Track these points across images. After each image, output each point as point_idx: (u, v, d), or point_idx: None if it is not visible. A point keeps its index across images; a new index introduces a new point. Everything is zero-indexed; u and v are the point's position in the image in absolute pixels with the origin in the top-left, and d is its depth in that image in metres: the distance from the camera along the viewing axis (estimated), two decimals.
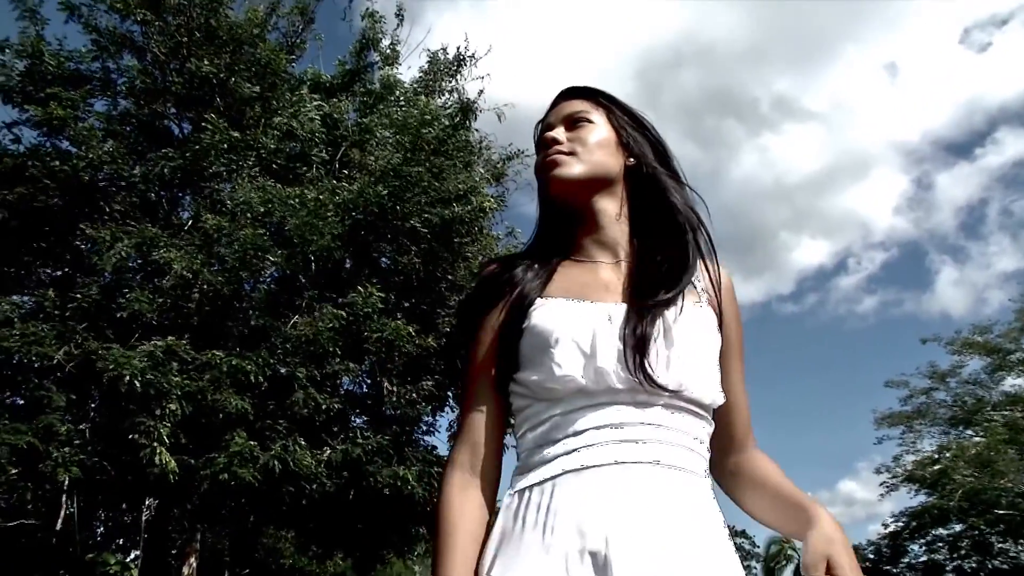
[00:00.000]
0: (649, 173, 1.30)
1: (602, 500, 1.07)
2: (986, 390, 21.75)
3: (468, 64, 12.23)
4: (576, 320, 1.16)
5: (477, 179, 9.99)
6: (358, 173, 10.19)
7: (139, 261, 8.99)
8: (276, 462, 7.79)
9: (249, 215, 8.74)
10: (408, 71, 11.98)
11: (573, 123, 1.31)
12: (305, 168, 10.28)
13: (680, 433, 1.14)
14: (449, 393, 10.48)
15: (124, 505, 12.55)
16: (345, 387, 10.18)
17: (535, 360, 1.15)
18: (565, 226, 1.32)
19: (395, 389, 9.24)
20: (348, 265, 10.29)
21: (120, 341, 8.59)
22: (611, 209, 1.29)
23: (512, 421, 1.24)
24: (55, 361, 8.59)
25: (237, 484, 7.76)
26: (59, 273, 10.26)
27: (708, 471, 1.21)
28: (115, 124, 9.87)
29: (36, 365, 8.87)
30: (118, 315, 8.41)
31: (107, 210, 9.45)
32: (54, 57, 9.64)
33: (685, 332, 1.17)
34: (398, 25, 12.01)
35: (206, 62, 9.78)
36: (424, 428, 10.70)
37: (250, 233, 8.09)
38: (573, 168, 1.26)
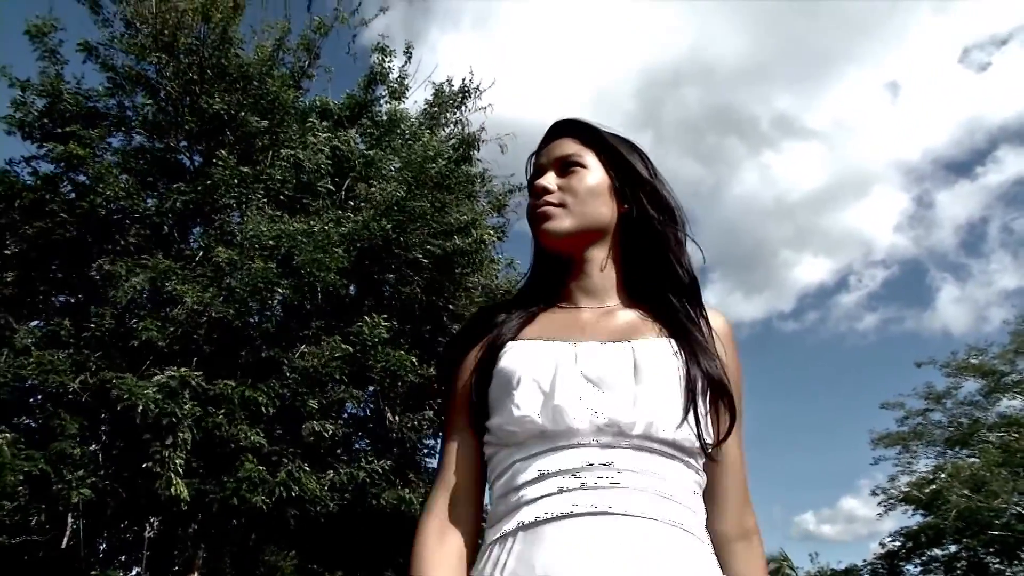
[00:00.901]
0: (643, 222, 1.26)
1: (559, 560, 0.99)
2: (982, 411, 21.98)
3: (472, 96, 12.58)
4: (539, 360, 1.12)
5: (479, 211, 10.34)
6: (363, 204, 10.54)
7: (151, 291, 9.32)
8: (281, 489, 8.11)
9: (258, 247, 9.09)
10: (414, 105, 12.30)
11: (564, 167, 1.27)
12: (312, 198, 10.63)
13: (657, 479, 1.06)
14: None
15: (126, 522, 12.81)
16: (348, 411, 10.51)
17: (499, 403, 1.12)
18: (554, 272, 1.30)
19: (397, 418, 9.58)
20: (353, 292, 10.63)
21: (132, 370, 8.90)
22: (599, 256, 1.26)
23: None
24: (71, 389, 8.90)
25: (246, 508, 8.07)
26: (73, 300, 10.60)
27: (704, 530, 1.11)
28: (129, 159, 10.24)
29: (51, 392, 9.21)
30: (130, 344, 8.74)
31: (121, 243, 9.81)
32: (72, 96, 10.05)
33: (657, 368, 1.11)
34: (406, 61, 12.35)
35: (217, 99, 10.16)
36: (426, 451, 11.03)
37: (260, 267, 8.42)
38: (563, 222, 1.23)
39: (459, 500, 1.17)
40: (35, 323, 10.35)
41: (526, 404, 1.08)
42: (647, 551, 1.00)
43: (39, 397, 9.87)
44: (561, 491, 1.04)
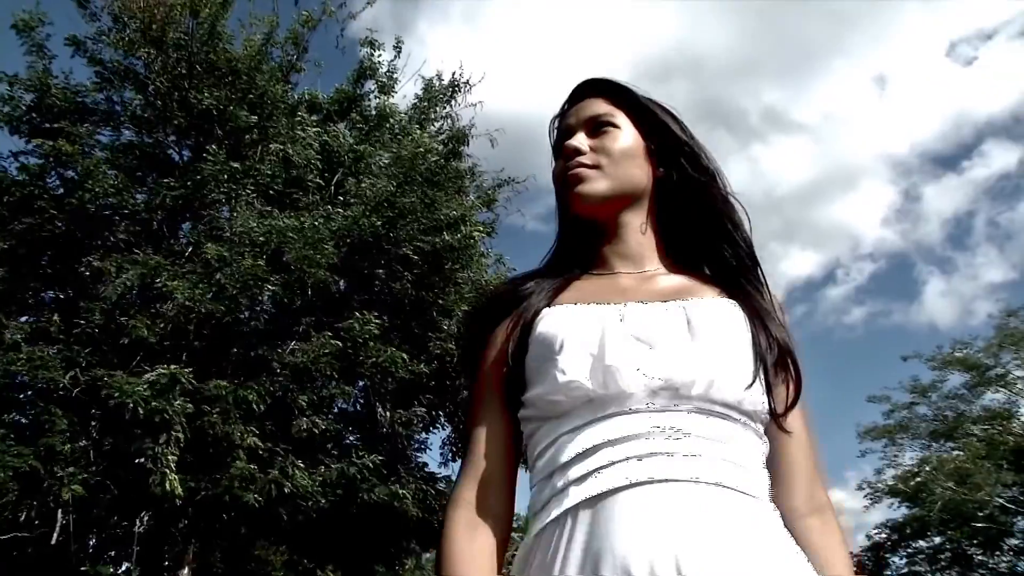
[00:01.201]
0: (683, 184, 1.20)
1: (630, 534, 0.90)
2: (966, 404, 22.22)
3: (462, 91, 12.58)
4: (583, 322, 1.05)
5: (468, 206, 10.37)
6: (353, 200, 10.54)
7: (141, 287, 9.31)
8: (274, 486, 8.14)
9: (248, 242, 9.09)
10: (404, 99, 12.31)
11: (596, 128, 1.19)
12: (301, 193, 10.63)
13: (721, 444, 0.98)
14: (440, 413, 10.86)
15: (116, 518, 12.81)
16: (339, 406, 10.54)
17: (540, 372, 1.04)
18: (585, 238, 1.23)
19: (388, 414, 9.62)
20: (343, 288, 10.65)
21: (123, 366, 8.90)
22: (636, 221, 1.20)
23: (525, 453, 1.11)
24: (61, 385, 8.89)
25: (238, 505, 8.10)
26: (63, 296, 10.57)
27: (768, 493, 1.02)
28: (118, 155, 10.21)
29: (41, 388, 9.19)
30: (121, 341, 8.74)
31: (111, 239, 9.79)
32: (60, 91, 10.00)
33: (715, 327, 1.05)
34: (396, 55, 12.34)
35: (206, 94, 10.14)
36: (417, 446, 11.09)
37: (250, 263, 8.43)
38: (598, 184, 1.16)
39: (490, 489, 1.07)
40: (25, 319, 10.32)
41: (573, 368, 1.00)
42: (749, 527, 0.94)
43: (29, 393, 9.86)
44: (622, 461, 0.95)
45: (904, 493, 21.74)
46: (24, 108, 10.08)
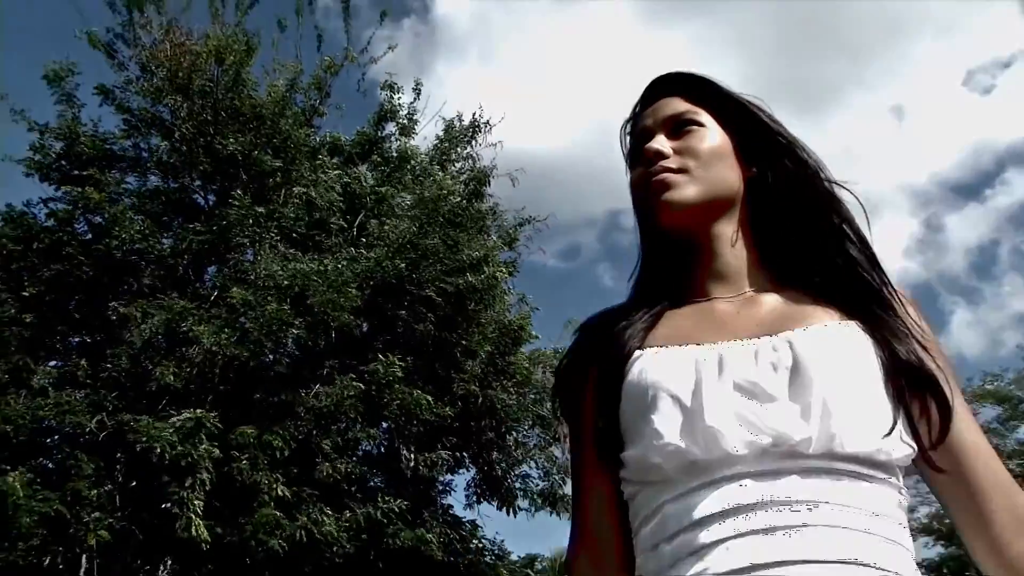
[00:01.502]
0: (780, 182, 1.06)
1: None
2: (1000, 439, 21.73)
3: (483, 131, 12.67)
4: (676, 369, 0.92)
5: (490, 246, 10.38)
6: (376, 242, 10.60)
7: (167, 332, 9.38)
8: (303, 532, 8.10)
9: (272, 286, 9.15)
10: (424, 141, 12.43)
11: (677, 128, 1.07)
12: (324, 236, 10.71)
13: (851, 511, 0.83)
14: (465, 455, 10.78)
15: (139, 562, 12.78)
16: (363, 449, 10.50)
17: (634, 430, 0.92)
18: (673, 257, 1.09)
19: (412, 456, 9.57)
20: (365, 329, 10.66)
21: (149, 410, 8.94)
22: (728, 232, 1.06)
23: None
24: (87, 430, 8.94)
25: (263, 550, 8.06)
26: (90, 341, 10.67)
27: (915, 567, 0.86)
28: (145, 200, 10.37)
29: (68, 433, 9.26)
30: (147, 387, 8.79)
31: (136, 284, 9.90)
32: (89, 139, 10.21)
33: (830, 362, 0.89)
34: (415, 98, 12.49)
35: (231, 139, 10.29)
36: (442, 488, 10.99)
37: (275, 308, 8.47)
38: (687, 191, 1.02)
39: (604, 557, 0.97)
40: (52, 363, 10.43)
41: (668, 428, 0.87)
42: None
43: (56, 437, 9.92)
44: (733, 538, 0.82)
45: (939, 532, 21.23)
46: (54, 156, 10.29)
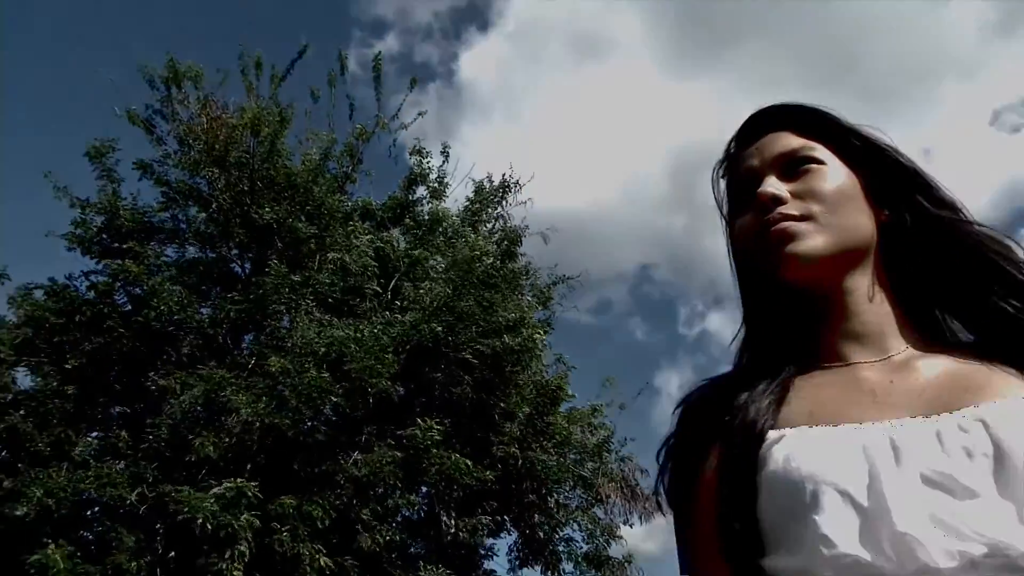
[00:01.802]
0: (920, 226, 0.91)
1: None
2: None
3: (513, 191, 12.78)
4: (839, 456, 0.73)
5: (525, 307, 10.37)
6: (410, 305, 10.64)
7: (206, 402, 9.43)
8: None
9: (309, 352, 9.17)
10: (455, 203, 12.56)
11: (791, 167, 0.92)
12: (359, 300, 10.77)
13: None
14: (506, 519, 10.62)
15: None
16: (403, 515, 10.38)
17: (785, 533, 0.73)
18: (794, 317, 0.92)
19: (453, 522, 9.44)
20: (402, 393, 10.64)
21: (189, 481, 8.93)
22: (864, 286, 0.90)
23: None
24: (128, 502, 8.94)
25: None
26: (130, 411, 10.74)
27: None
28: (183, 271, 10.53)
29: (109, 505, 9.26)
30: (187, 457, 8.80)
31: (175, 355, 9.99)
32: (128, 212, 10.43)
33: None
34: (444, 161, 12.66)
35: (267, 209, 10.46)
36: (483, 553, 10.81)
37: (314, 376, 8.49)
38: (815, 241, 0.87)
39: None
40: (93, 435, 10.49)
41: (841, 534, 0.69)
42: None
43: (97, 510, 9.93)
44: None
45: None
46: (95, 230, 10.52)
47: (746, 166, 0.95)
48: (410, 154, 12.68)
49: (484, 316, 9.71)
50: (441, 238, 11.74)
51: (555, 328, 11.93)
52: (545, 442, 10.24)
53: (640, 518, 12.03)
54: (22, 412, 9.98)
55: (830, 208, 0.88)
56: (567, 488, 10.80)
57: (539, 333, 10.03)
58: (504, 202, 12.73)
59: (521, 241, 11.66)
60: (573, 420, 10.84)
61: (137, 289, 10.24)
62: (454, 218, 12.25)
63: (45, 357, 10.18)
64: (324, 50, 25.63)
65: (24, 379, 10.46)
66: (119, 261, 9.88)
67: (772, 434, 0.79)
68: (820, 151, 0.92)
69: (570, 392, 10.71)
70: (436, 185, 12.69)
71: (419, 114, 12.81)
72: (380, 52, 12.77)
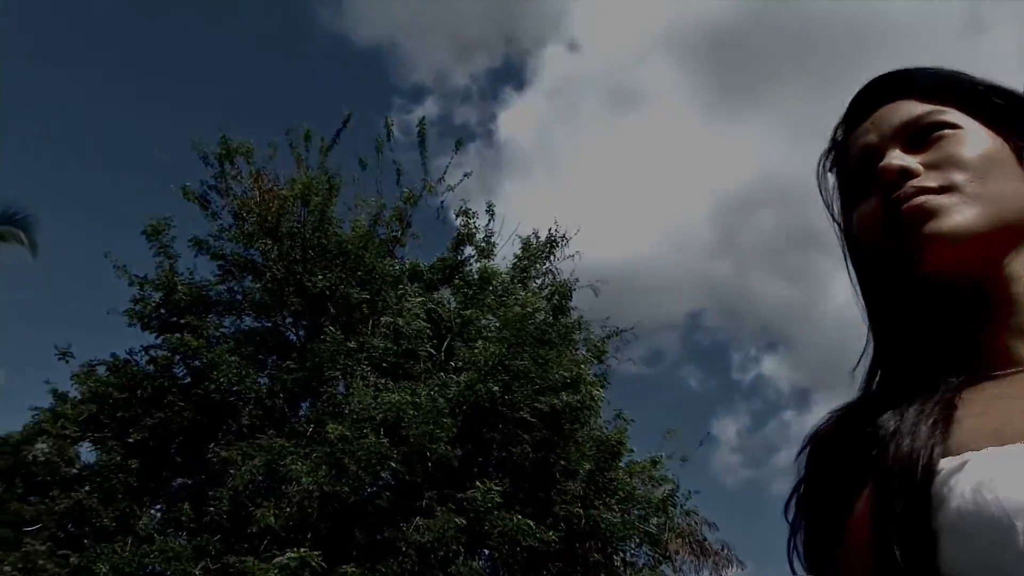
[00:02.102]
0: None
1: None
2: None
3: (560, 245, 12.79)
4: None
5: (581, 363, 10.28)
6: (465, 365, 10.62)
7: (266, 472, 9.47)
8: None
9: (367, 418, 9.18)
10: (503, 261, 12.60)
11: (919, 137, 0.76)
12: (413, 363, 10.78)
13: None
14: None
15: None
16: None
17: None
18: (940, 321, 0.75)
19: None
20: (460, 455, 10.57)
21: (251, 551, 8.92)
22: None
23: None
24: None
25: None
26: (191, 483, 10.83)
27: None
28: (240, 342, 10.69)
29: None
30: (249, 529, 8.80)
31: (235, 426, 10.08)
32: (186, 287, 10.67)
33: None
34: (490, 220, 12.74)
35: (319, 277, 10.61)
36: None
37: (373, 442, 8.47)
38: (963, 215, 0.70)
39: None
40: (157, 508, 10.59)
41: None
42: None
43: None
44: None
45: None
46: (153, 306, 10.75)
47: (861, 144, 0.78)
48: (456, 215, 12.81)
49: (540, 374, 9.64)
50: (491, 297, 11.74)
51: (612, 384, 11.77)
52: (608, 499, 10.03)
53: (710, 574, 11.68)
54: (87, 488, 10.13)
55: (977, 175, 0.71)
56: (633, 546, 10.54)
57: (597, 389, 9.92)
58: (552, 257, 12.75)
59: (571, 295, 11.63)
60: (633, 473, 10.63)
61: (196, 362, 10.41)
62: (503, 276, 12.27)
63: (108, 432, 10.35)
64: (367, 118, 26.31)
65: (88, 454, 10.65)
66: (178, 335, 10.08)
67: (946, 463, 0.60)
68: (953, 114, 0.76)
69: (629, 446, 10.54)
70: (484, 244, 12.76)
71: (465, 175, 12.99)
72: (424, 117, 12.99)
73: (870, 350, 0.81)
